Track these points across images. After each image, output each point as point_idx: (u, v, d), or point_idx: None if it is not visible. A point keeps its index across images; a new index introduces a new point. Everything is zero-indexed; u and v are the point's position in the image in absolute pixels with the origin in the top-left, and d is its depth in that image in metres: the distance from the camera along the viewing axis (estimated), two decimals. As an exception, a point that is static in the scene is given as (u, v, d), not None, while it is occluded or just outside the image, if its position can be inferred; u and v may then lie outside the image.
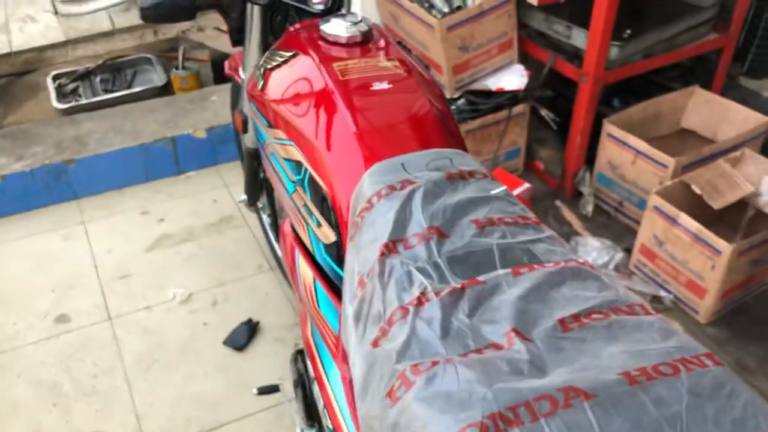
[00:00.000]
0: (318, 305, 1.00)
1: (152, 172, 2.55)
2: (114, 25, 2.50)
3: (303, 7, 1.29)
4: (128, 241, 2.32)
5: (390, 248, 0.80)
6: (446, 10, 2.32)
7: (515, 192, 2.37)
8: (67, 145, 2.46)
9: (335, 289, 0.99)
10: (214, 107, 2.67)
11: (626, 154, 2.27)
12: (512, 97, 2.37)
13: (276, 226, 2.00)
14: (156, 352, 1.92)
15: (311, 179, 1.02)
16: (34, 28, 2.62)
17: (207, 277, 2.18)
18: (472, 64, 2.34)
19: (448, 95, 2.37)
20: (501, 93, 2.37)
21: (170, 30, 2.62)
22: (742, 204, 2.07)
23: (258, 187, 1.91)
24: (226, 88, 2.79)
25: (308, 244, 1.05)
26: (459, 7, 2.33)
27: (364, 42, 1.13)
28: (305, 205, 1.04)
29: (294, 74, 1.11)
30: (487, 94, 2.39)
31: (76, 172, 2.42)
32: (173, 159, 2.56)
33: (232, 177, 2.58)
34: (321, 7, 1.29)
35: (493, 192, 0.89)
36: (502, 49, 2.38)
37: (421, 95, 1.05)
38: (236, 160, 2.63)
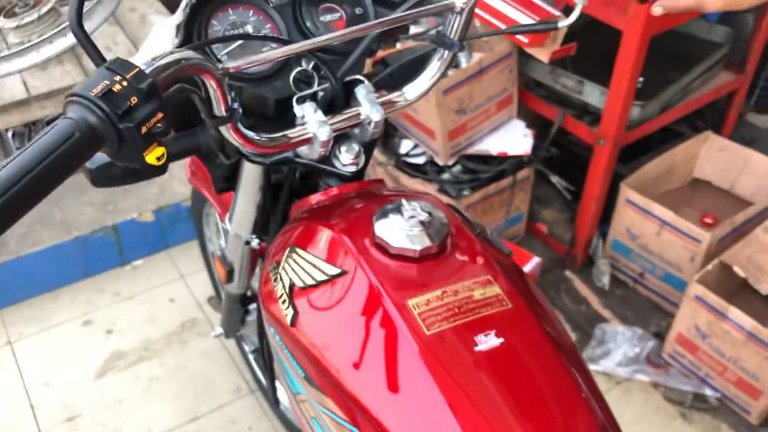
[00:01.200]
0: None
1: (92, 266, 2.12)
2: (29, 91, 2.06)
3: (327, 169, 0.93)
4: (71, 365, 1.90)
5: None
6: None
7: (526, 269, 2.06)
8: (-18, 245, 2.01)
9: None
10: (160, 180, 2.25)
11: (650, 224, 1.99)
12: (517, 162, 2.05)
13: (263, 357, 1.63)
14: None
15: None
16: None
17: (175, 410, 1.79)
18: (470, 126, 2.01)
19: (441, 162, 2.04)
20: (503, 157, 2.05)
21: (100, 91, 2.18)
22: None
23: (240, 322, 1.54)
24: (172, 152, 2.37)
25: None
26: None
27: (441, 250, 0.78)
28: None
29: (348, 315, 0.75)
30: (486, 158, 2.07)
31: (-4, 280, 1.98)
32: (116, 249, 2.14)
33: (188, 263, 2.18)
34: (353, 169, 0.93)
35: None
36: (501, 106, 2.06)
37: (546, 348, 0.72)
38: (190, 240, 2.23)
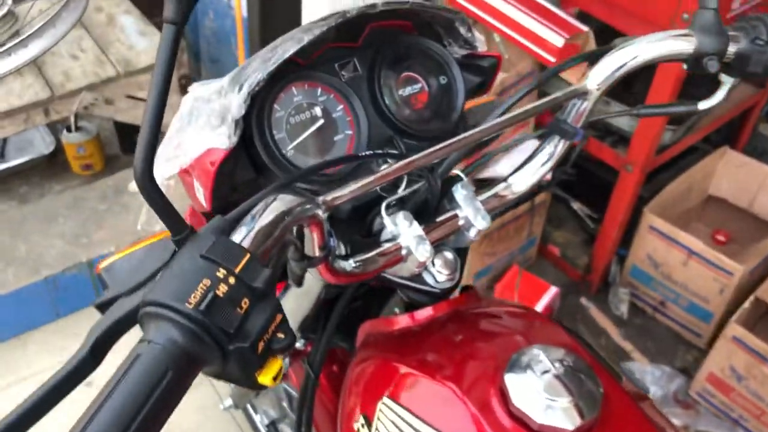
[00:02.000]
0: None
1: (64, 306, 1.89)
2: (-14, 109, 1.81)
3: (415, 286, 0.75)
4: (46, 426, 1.67)
5: None
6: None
7: (543, 300, 1.93)
8: (-64, 289, 1.76)
9: None
10: (137, 204, 2.01)
11: (676, 253, 1.88)
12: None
13: (276, 428, 1.45)
14: None
15: None
16: None
17: (171, 478, 1.60)
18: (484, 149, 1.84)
19: (454, 187, 1.87)
20: (520, 182, 1.89)
21: (67, 107, 1.93)
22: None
23: (254, 396, 1.36)
24: (148, 171, 2.13)
25: None
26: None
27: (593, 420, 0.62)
28: None
29: None
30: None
31: (-45, 329, 1.74)
32: (91, 286, 1.91)
33: (174, 300, 1.96)
34: (448, 285, 0.75)
35: None
36: (518, 127, 1.89)
37: None
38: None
